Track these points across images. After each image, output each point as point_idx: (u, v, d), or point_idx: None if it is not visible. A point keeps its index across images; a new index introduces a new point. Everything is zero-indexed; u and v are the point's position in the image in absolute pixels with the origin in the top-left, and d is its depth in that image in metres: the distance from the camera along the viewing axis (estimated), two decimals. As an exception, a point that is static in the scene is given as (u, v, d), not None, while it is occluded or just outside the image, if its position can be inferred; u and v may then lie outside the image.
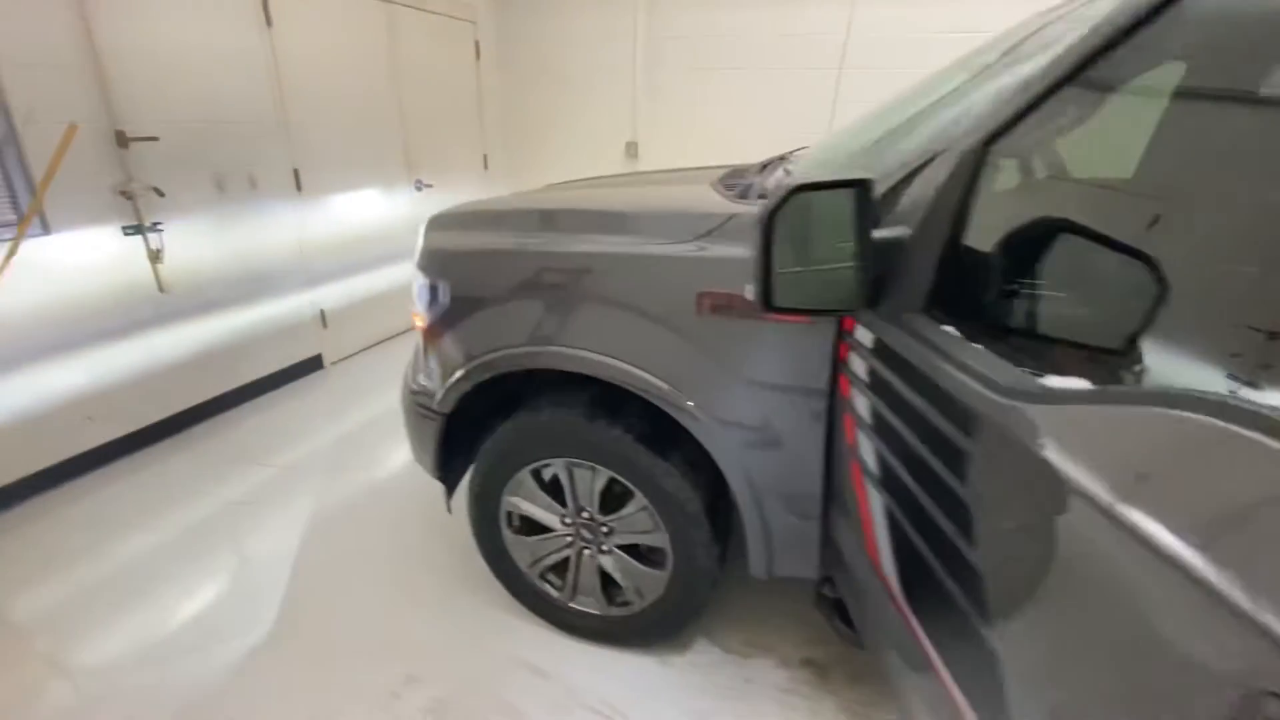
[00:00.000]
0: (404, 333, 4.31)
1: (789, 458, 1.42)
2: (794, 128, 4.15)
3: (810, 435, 1.38)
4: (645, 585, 1.74)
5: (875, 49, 3.84)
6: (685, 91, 4.34)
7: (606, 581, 1.80)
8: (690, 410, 1.44)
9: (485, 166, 4.86)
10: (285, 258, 3.34)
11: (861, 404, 1.18)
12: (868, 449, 1.17)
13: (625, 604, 1.80)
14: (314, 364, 3.64)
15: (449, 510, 2.03)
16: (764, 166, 2.25)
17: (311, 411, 3.28)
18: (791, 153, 2.52)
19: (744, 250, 1.34)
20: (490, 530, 1.86)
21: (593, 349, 1.50)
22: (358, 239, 3.78)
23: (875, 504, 1.16)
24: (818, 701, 1.72)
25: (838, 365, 1.29)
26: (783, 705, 1.71)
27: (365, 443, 2.99)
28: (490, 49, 4.68)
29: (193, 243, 2.87)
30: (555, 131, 4.77)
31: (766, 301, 1.02)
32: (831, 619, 1.54)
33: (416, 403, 1.85)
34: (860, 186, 0.98)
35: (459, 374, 1.67)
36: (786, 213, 0.98)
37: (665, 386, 1.45)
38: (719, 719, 1.67)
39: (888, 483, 1.10)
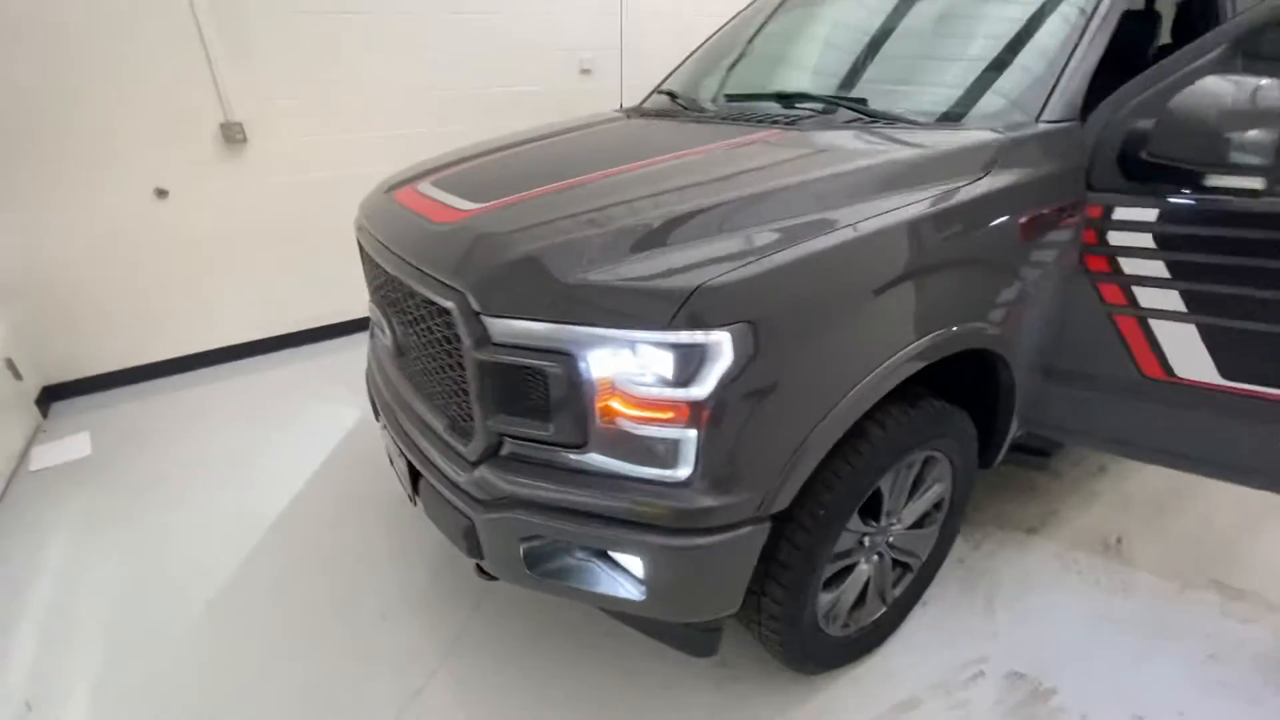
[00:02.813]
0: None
1: (1052, 341, 1.62)
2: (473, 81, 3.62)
3: (1061, 313, 1.60)
4: (919, 550, 1.68)
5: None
6: (306, 42, 3.10)
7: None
8: (1013, 342, 1.45)
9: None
10: None
11: (1148, 265, 1.47)
12: (1163, 296, 1.48)
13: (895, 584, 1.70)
14: None
15: (712, 654, 1.39)
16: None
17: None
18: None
19: (1032, 168, 1.40)
20: (807, 612, 1.40)
21: (967, 318, 1.30)
22: None
23: (1171, 332, 1.51)
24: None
25: (1083, 248, 1.54)
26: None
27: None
28: None
29: None
30: (58, 115, 2.69)
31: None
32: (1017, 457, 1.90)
33: (700, 528, 1.16)
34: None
35: (822, 426, 1.16)
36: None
37: (998, 331, 1.41)
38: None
39: (1209, 305, 1.44)
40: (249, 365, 3.42)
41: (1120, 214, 1.48)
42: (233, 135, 3.08)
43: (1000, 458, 1.74)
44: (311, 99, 3.24)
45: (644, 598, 1.23)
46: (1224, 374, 1.51)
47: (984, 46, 1.65)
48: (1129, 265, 1.51)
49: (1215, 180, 1.33)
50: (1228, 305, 1.44)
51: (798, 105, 1.82)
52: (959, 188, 1.31)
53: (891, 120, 1.57)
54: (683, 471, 1.14)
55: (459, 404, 1.36)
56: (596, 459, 1.19)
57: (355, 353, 3.56)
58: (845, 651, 1.60)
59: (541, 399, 1.19)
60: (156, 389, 3.19)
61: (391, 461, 1.80)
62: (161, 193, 3.01)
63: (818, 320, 1.13)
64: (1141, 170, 1.42)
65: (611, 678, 1.66)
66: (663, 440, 1.13)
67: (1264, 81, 1.20)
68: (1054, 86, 1.48)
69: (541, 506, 1.22)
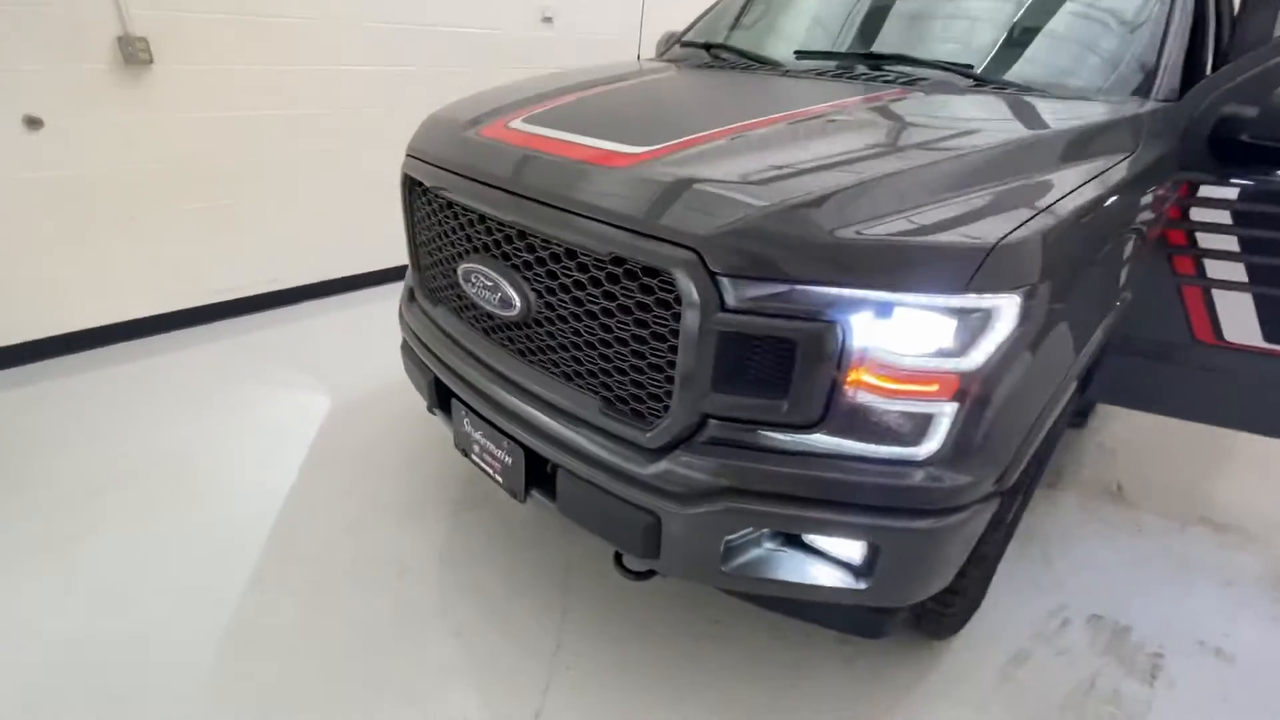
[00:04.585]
0: None
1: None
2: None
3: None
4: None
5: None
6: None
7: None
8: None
9: None
10: None
11: (1222, 240, 1.61)
12: (1230, 268, 1.63)
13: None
14: None
15: (885, 635, 1.34)
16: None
17: None
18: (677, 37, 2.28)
19: (1160, 143, 1.46)
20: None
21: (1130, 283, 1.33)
22: None
23: (1233, 302, 1.67)
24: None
25: (1167, 223, 1.65)
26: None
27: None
28: None
29: None
30: None
31: None
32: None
33: (944, 508, 1.09)
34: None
35: (1054, 396, 1.13)
36: None
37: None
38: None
39: (1269, 276, 1.61)
40: (154, 345, 2.78)
41: (1205, 191, 1.60)
42: (134, 54, 2.42)
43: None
44: (236, 18, 2.63)
45: (866, 585, 1.14)
46: (1268, 338, 1.71)
47: (1085, 20, 1.69)
48: (1204, 239, 1.65)
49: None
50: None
51: (886, 67, 1.77)
52: (1129, 157, 1.33)
53: (1021, 89, 1.57)
54: (925, 449, 1.06)
55: (633, 381, 1.16)
56: (823, 439, 1.07)
57: (294, 329, 3.03)
58: (966, 615, 1.64)
59: (773, 373, 1.05)
60: (29, 376, 2.48)
61: (468, 454, 1.53)
62: (33, 122, 2.30)
63: (1075, 283, 1.09)
64: (1237, 152, 1.53)
65: (734, 664, 1.57)
66: (912, 416, 1.04)
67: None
68: (1160, 65, 1.55)
69: (766, 496, 1.08)
